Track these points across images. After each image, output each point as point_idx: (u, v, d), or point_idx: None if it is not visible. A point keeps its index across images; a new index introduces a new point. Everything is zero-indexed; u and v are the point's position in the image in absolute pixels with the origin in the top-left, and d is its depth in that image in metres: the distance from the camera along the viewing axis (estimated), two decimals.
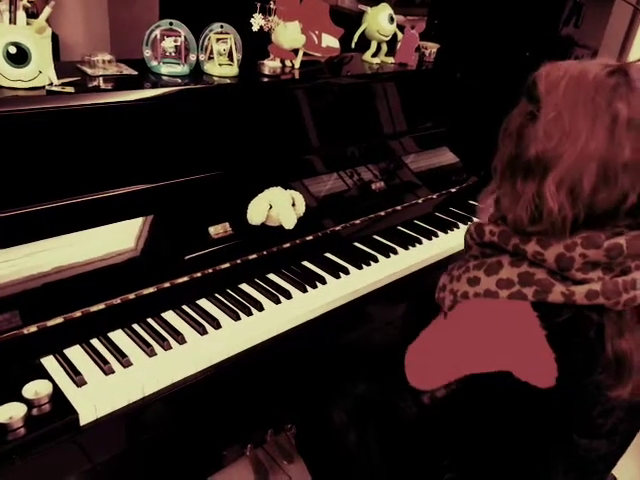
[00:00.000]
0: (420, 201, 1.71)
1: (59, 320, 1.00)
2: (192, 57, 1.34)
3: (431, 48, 1.97)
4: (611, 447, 0.88)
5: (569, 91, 0.75)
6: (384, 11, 1.76)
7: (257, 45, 1.47)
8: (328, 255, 1.46)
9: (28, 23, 1.10)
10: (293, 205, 1.32)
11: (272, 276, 1.34)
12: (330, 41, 1.68)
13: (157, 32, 1.28)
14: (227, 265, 1.24)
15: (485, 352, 0.83)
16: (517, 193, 0.79)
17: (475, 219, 1.73)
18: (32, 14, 1.17)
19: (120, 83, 1.22)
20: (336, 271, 1.38)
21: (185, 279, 1.17)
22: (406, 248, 1.54)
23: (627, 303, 0.75)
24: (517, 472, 0.91)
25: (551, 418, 0.84)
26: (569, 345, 0.76)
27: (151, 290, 1.12)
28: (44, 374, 0.96)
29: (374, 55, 1.83)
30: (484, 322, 0.83)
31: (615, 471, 1.09)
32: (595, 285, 0.75)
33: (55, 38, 2.12)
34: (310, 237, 1.40)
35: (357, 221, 1.53)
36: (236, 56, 1.40)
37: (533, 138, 0.77)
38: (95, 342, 1.06)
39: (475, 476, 0.96)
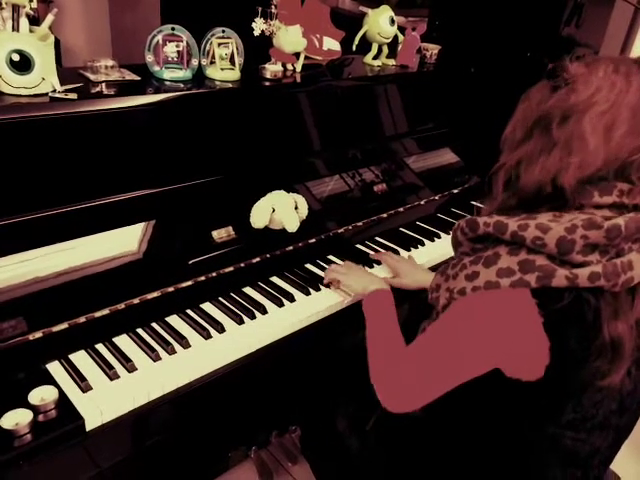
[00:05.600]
0: (422, 202, 1.72)
1: (64, 326, 1.01)
2: (194, 62, 1.34)
3: (432, 50, 1.97)
4: (604, 442, 0.88)
5: (597, 60, 0.82)
6: (385, 13, 1.76)
7: (259, 49, 1.48)
8: (331, 257, 1.46)
9: (31, 30, 1.11)
10: (296, 208, 1.32)
11: (275, 279, 1.34)
12: (331, 44, 1.69)
13: (159, 37, 1.29)
14: (230, 269, 1.25)
15: (480, 348, 0.83)
16: (552, 142, 0.81)
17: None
18: (34, 19, 1.17)
19: (123, 89, 1.23)
20: None
21: (189, 283, 1.18)
22: (408, 249, 1.55)
23: (624, 284, 0.76)
24: (510, 467, 0.91)
25: (539, 412, 0.85)
26: (566, 331, 0.77)
27: (155, 295, 1.13)
28: (50, 380, 0.97)
29: (375, 57, 1.83)
30: (481, 314, 0.82)
31: (617, 469, 1.09)
32: (596, 267, 0.75)
33: (57, 43, 2.13)
34: (313, 240, 1.41)
35: (359, 223, 1.53)
36: (238, 60, 1.40)
37: (569, 91, 0.80)
38: (100, 347, 1.07)
39: (471, 473, 0.97)
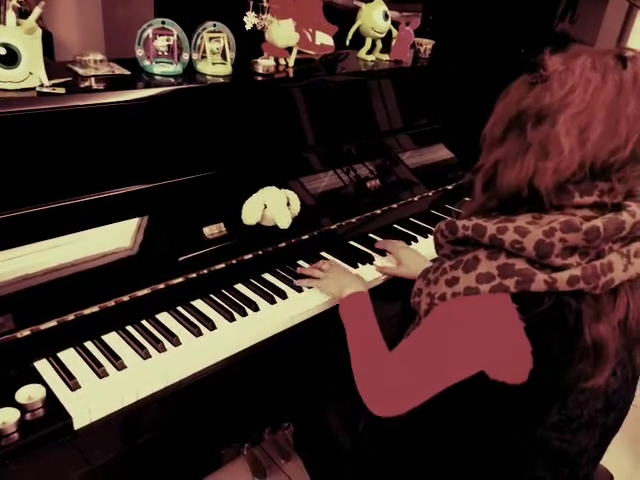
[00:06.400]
0: (416, 199, 1.71)
1: (52, 323, 1.00)
2: (185, 56, 1.33)
3: (426, 45, 1.96)
4: (591, 441, 0.88)
5: (577, 54, 0.79)
6: (378, 8, 1.75)
7: (250, 44, 1.46)
8: (324, 254, 1.45)
9: (18, 24, 1.09)
10: (288, 204, 1.31)
11: (267, 276, 1.33)
12: (324, 39, 1.68)
13: (149, 31, 1.27)
14: (222, 265, 1.23)
15: (463, 353, 0.83)
16: (527, 143, 0.79)
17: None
18: (25, 13, 1.16)
19: (112, 83, 1.21)
20: None
21: (180, 280, 1.17)
22: None
23: (604, 286, 0.76)
24: (499, 467, 0.91)
25: (525, 414, 0.84)
26: (548, 336, 0.76)
27: (145, 292, 1.12)
28: (37, 378, 0.96)
29: (369, 52, 1.81)
30: (462, 320, 0.82)
31: (610, 466, 1.09)
32: (575, 270, 0.75)
33: (49, 37, 2.11)
34: (306, 236, 1.40)
35: (353, 219, 1.52)
36: (229, 55, 1.39)
37: (544, 89, 0.78)
38: (89, 345, 1.06)
39: (460, 474, 0.97)
